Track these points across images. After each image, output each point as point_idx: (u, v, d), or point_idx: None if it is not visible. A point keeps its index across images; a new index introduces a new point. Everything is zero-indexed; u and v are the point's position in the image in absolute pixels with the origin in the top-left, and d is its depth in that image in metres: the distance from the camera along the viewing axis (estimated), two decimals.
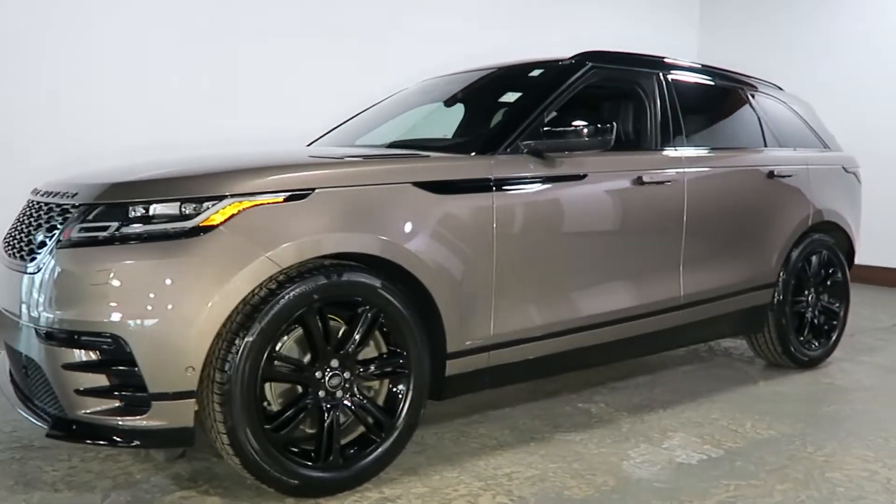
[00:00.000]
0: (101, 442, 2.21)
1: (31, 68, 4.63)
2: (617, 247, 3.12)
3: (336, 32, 5.82)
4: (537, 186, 2.87)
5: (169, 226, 2.20)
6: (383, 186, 2.49)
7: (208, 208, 2.21)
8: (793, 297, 3.98)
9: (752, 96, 4.04)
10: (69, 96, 4.74)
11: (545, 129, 2.89)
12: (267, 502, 2.37)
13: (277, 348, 2.35)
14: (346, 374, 2.45)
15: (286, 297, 2.27)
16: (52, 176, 2.68)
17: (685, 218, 3.35)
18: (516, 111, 3.03)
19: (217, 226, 2.20)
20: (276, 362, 2.30)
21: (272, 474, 2.28)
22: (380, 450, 2.51)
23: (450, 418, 3.19)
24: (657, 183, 3.24)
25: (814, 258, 4.08)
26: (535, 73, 3.34)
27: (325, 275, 2.34)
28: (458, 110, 3.77)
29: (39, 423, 2.29)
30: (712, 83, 3.89)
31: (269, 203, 2.28)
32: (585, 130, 2.83)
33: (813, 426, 3.17)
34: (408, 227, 2.51)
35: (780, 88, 4.39)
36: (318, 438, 2.40)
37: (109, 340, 2.13)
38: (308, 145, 3.85)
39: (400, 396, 2.56)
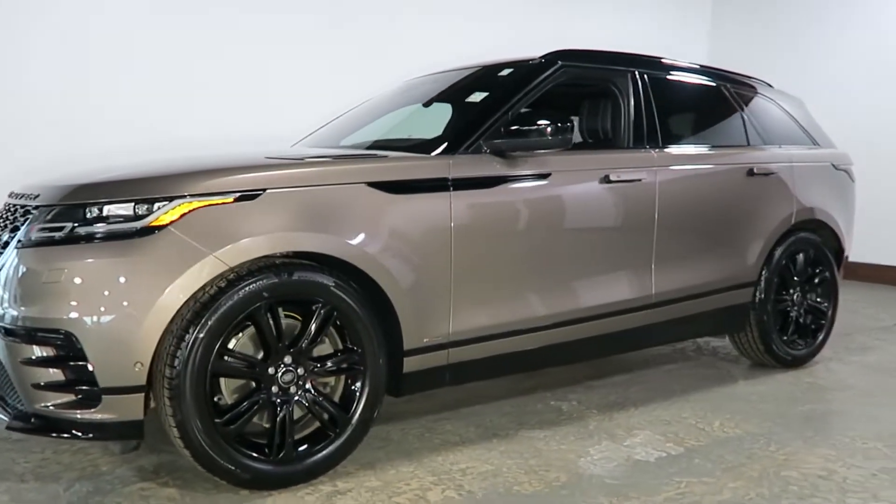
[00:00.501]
0: (61, 434, 2.30)
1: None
2: (582, 245, 3.14)
3: (336, 27, 5.90)
4: (499, 186, 2.90)
5: (121, 226, 2.28)
6: (336, 187, 2.54)
7: (159, 209, 2.28)
8: (776, 296, 3.95)
9: (737, 93, 4.02)
10: (71, 96, 4.87)
11: (512, 128, 2.91)
12: (222, 494, 2.44)
13: (232, 345, 2.42)
14: (300, 371, 2.51)
15: (235, 295, 2.33)
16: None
17: (656, 216, 3.35)
18: (479, 111, 3.06)
19: (166, 226, 2.27)
20: (226, 358, 2.37)
21: (222, 466, 2.35)
22: (334, 445, 2.56)
23: (419, 415, 3.24)
24: (626, 182, 3.25)
25: (799, 256, 4.05)
26: (505, 72, 3.37)
27: (275, 274, 2.41)
28: (437, 110, 3.81)
29: (3, 416, 2.39)
30: (693, 81, 3.88)
31: (218, 203, 2.34)
32: (548, 129, 2.86)
33: (782, 425, 3.16)
34: (361, 226, 2.56)
35: (769, 86, 4.35)
36: (270, 433, 2.46)
37: (63, 337, 2.21)
38: (293, 146, 3.92)
39: (355, 393, 2.61)
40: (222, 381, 2.43)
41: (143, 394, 2.26)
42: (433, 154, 2.84)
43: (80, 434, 2.29)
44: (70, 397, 2.27)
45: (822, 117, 6.23)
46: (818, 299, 4.20)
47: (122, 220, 2.29)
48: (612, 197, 3.22)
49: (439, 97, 3.67)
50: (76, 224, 2.28)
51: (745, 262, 3.75)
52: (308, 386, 2.52)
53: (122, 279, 2.23)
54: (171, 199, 2.30)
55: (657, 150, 3.44)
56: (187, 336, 2.28)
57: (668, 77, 3.74)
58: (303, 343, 2.49)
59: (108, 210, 2.30)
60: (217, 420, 2.35)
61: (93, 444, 2.82)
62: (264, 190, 2.41)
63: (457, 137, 2.91)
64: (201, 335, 2.28)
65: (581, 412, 3.30)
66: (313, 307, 2.50)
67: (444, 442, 2.94)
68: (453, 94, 3.61)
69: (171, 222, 2.27)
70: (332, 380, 2.63)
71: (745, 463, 2.75)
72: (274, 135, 4.67)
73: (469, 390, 3.57)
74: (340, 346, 2.61)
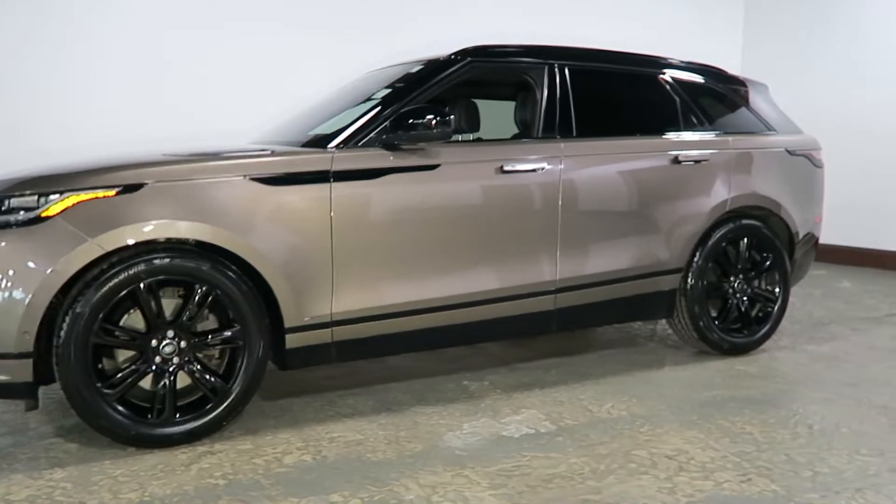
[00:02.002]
0: None
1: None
2: (473, 232, 3.29)
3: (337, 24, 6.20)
4: (384, 177, 3.11)
5: (21, 216, 2.64)
6: (215, 180, 2.83)
7: (49, 202, 2.64)
8: (711, 283, 3.97)
9: (678, 82, 4.03)
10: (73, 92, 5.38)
11: (408, 122, 3.10)
12: (111, 450, 2.78)
13: (124, 319, 2.76)
14: (182, 344, 2.82)
15: (116, 276, 2.67)
16: None
17: (560, 204, 3.46)
18: (376, 107, 3.26)
19: (54, 216, 2.62)
20: (109, 330, 2.71)
21: (104, 425, 2.70)
22: (215, 412, 2.87)
23: (330, 389, 3.50)
24: (523, 171, 3.38)
25: (741, 243, 4.04)
26: (416, 69, 3.55)
27: (154, 258, 2.72)
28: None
29: None
30: (624, 70, 3.93)
31: (101, 196, 2.67)
32: (432, 122, 3.05)
33: (673, 409, 3.22)
34: (239, 215, 2.84)
35: (723, 73, 4.32)
36: (152, 398, 2.79)
37: None
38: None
39: (236, 365, 2.90)
40: (118, 351, 2.77)
41: (31, 359, 2.62)
42: (328, 147, 3.07)
43: None
44: None
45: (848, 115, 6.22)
46: (767, 287, 4.17)
47: (23, 211, 2.66)
48: (507, 186, 3.36)
49: (372, 90, 3.87)
50: None
51: (669, 249, 3.79)
52: (190, 357, 2.83)
53: (16, 261, 2.59)
54: (60, 192, 2.65)
55: (565, 140, 3.54)
56: (71, 311, 2.63)
57: (595, 68, 3.82)
58: (184, 319, 2.80)
59: (15, 203, 2.67)
60: (99, 384, 2.69)
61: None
62: (145, 184, 2.73)
63: (351, 132, 3.14)
64: (83, 310, 2.63)
65: (485, 392, 3.48)
66: (195, 287, 2.81)
67: (336, 414, 3.19)
68: (378, 88, 3.81)
69: (59, 213, 2.62)
70: (216, 353, 2.93)
71: (604, 442, 2.87)
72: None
73: (391, 368, 3.82)
74: (223, 323, 2.90)
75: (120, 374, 2.75)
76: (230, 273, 2.84)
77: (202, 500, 2.39)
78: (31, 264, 2.59)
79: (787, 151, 4.24)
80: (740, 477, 2.54)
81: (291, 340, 2.99)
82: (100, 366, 2.75)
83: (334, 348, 3.09)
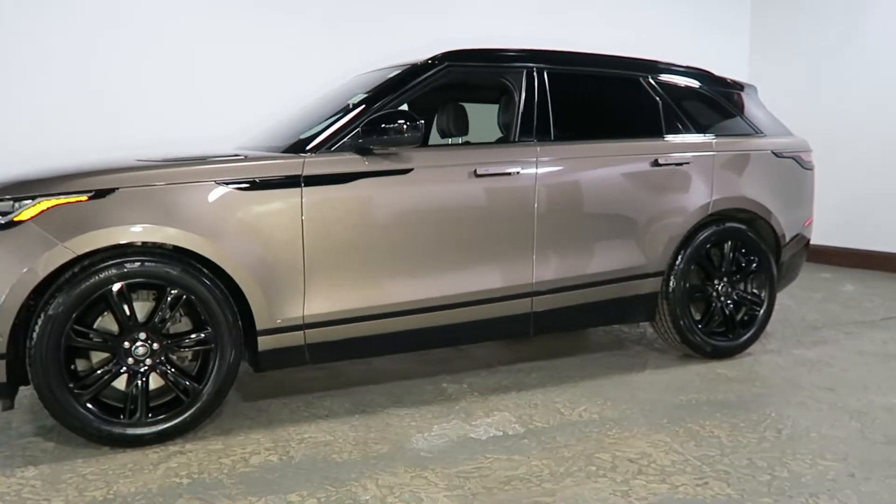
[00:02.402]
0: None
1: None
2: (447, 235, 3.32)
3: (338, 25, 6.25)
4: (356, 181, 3.15)
5: None
6: (186, 185, 2.89)
7: (22, 206, 2.71)
8: (694, 286, 3.97)
9: (660, 85, 4.03)
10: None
11: (381, 126, 3.14)
12: (86, 449, 2.85)
13: (97, 322, 2.83)
14: (155, 346, 2.88)
15: (87, 279, 2.73)
16: None
17: (536, 208, 3.48)
18: (349, 111, 3.30)
19: (27, 220, 2.70)
20: (82, 332, 2.78)
21: (76, 424, 2.77)
22: (187, 412, 2.93)
23: (309, 391, 3.55)
24: (497, 175, 3.40)
25: (726, 246, 4.03)
26: (393, 74, 3.59)
27: (125, 262, 2.79)
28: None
29: None
30: (603, 73, 3.93)
31: (73, 201, 2.75)
32: (405, 127, 3.10)
33: (645, 413, 3.23)
34: (210, 220, 2.90)
35: (709, 75, 4.31)
36: (125, 398, 2.86)
37: None
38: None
39: (209, 367, 2.96)
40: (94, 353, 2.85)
41: (4, 360, 2.70)
42: (302, 153, 3.12)
43: None
44: None
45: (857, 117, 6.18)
46: (753, 290, 4.15)
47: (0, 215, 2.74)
48: (480, 189, 3.38)
49: (352, 95, 3.91)
50: None
51: (649, 252, 3.79)
52: (162, 359, 2.90)
53: None
54: (32, 197, 2.72)
55: (542, 144, 3.55)
56: (44, 314, 2.70)
57: (575, 71, 3.83)
58: (156, 321, 2.87)
59: None
60: (72, 385, 2.76)
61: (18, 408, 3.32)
62: (116, 189, 2.79)
63: (324, 137, 3.19)
64: (55, 312, 2.70)
65: (462, 394, 3.50)
66: (166, 291, 2.87)
67: (310, 415, 3.24)
68: (358, 93, 3.85)
69: (31, 217, 2.70)
70: (188, 355, 2.99)
71: (570, 445, 2.88)
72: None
73: (373, 371, 3.86)
74: (196, 326, 2.96)
75: (93, 376, 2.82)
76: (201, 276, 2.89)
77: (164, 499, 2.45)
78: (3, 267, 2.67)
79: (774, 154, 4.22)
80: (697, 481, 2.55)
81: (264, 343, 3.04)
82: (73, 367, 2.81)
83: (307, 350, 3.14)
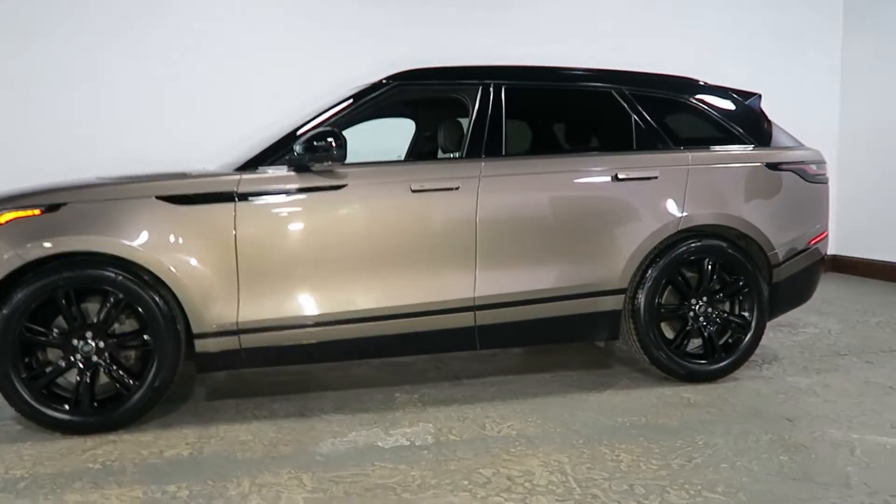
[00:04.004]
0: None
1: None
2: (381, 249, 3.42)
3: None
4: (289, 196, 3.35)
5: None
6: (127, 200, 3.21)
7: None
8: (667, 305, 3.82)
9: (636, 97, 3.92)
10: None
11: (314, 144, 3.33)
12: (44, 434, 3.22)
13: (55, 322, 3.21)
14: (100, 344, 3.22)
15: (36, 282, 3.10)
16: None
17: (477, 223, 3.51)
18: (291, 129, 3.49)
19: None
20: (34, 329, 3.15)
21: (27, 411, 3.14)
22: (128, 403, 3.23)
23: (271, 394, 3.77)
24: (434, 190, 3.47)
25: (707, 265, 3.84)
26: (345, 92, 3.74)
27: (68, 268, 3.14)
28: None
29: None
30: (565, 88, 3.89)
31: (28, 215, 3.13)
32: (333, 145, 3.27)
33: (567, 432, 3.16)
34: (148, 231, 3.19)
35: (698, 83, 4.13)
36: (74, 390, 3.20)
37: None
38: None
39: (149, 364, 3.25)
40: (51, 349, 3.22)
41: None
42: (240, 169, 3.37)
43: None
44: None
45: None
46: (742, 313, 3.92)
47: None
48: (417, 205, 3.46)
49: (310, 112, 4.06)
50: None
51: (610, 269, 3.69)
52: (106, 356, 3.22)
53: None
54: None
55: (487, 159, 3.58)
56: (1, 312, 3.10)
57: (534, 86, 3.83)
58: (97, 322, 3.19)
59: None
60: (24, 376, 3.14)
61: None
62: (65, 204, 3.15)
63: (261, 154, 3.42)
64: (8, 311, 3.08)
65: (406, 404, 3.58)
66: (108, 295, 3.20)
67: (252, 416, 3.45)
68: (315, 110, 3.99)
69: None
70: (132, 353, 3.30)
71: (464, 459, 2.89)
72: None
73: (346, 377, 4.03)
74: (137, 327, 3.27)
75: (44, 368, 3.18)
76: (141, 283, 3.19)
77: (66, 480, 2.74)
78: None
79: (768, 166, 3.97)
80: (557, 501, 2.50)
81: (200, 345, 3.30)
82: (27, 359, 3.19)
83: (244, 354, 3.36)
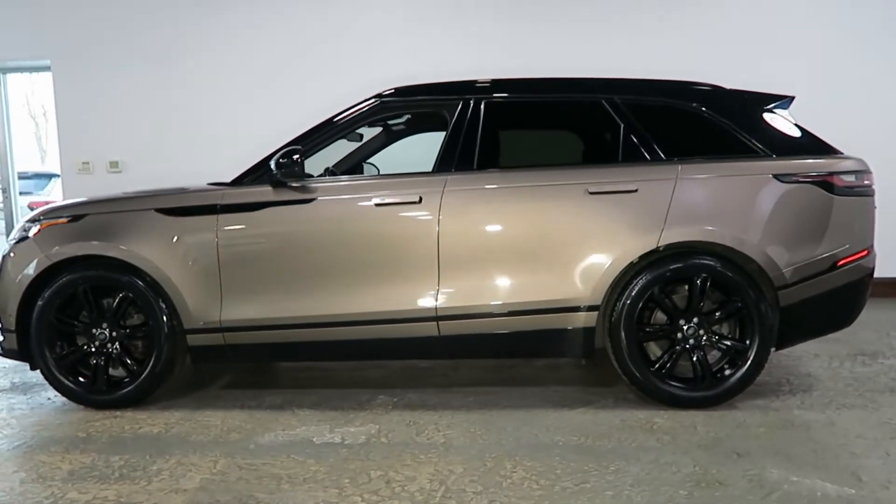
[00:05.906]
0: None
1: None
2: (346, 259, 3.66)
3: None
4: (264, 209, 3.71)
5: (18, 237, 3.89)
6: (131, 212, 3.77)
7: (32, 228, 3.85)
8: (651, 325, 3.66)
9: (629, 106, 3.77)
10: None
11: (284, 161, 3.67)
12: (72, 407, 3.88)
13: (80, 315, 3.86)
14: (114, 333, 3.81)
15: (60, 280, 3.76)
16: None
17: (438, 235, 3.62)
18: (281, 147, 3.84)
19: (31, 237, 3.82)
20: (65, 321, 3.81)
21: (59, 388, 3.82)
22: (130, 387, 3.79)
23: (275, 387, 4.18)
24: (397, 204, 3.64)
25: (697, 283, 3.61)
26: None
27: (88, 268, 3.76)
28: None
29: None
30: (547, 100, 3.85)
31: (58, 223, 3.81)
32: (297, 162, 3.61)
33: (492, 446, 3.18)
34: (145, 239, 3.72)
35: (698, 89, 3.87)
36: (92, 372, 3.83)
37: None
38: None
39: (152, 353, 3.79)
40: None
41: (14, 334, 3.83)
42: (227, 184, 3.81)
43: None
44: None
45: None
46: (738, 336, 3.64)
47: (22, 233, 3.90)
48: (379, 218, 3.66)
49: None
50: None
51: (581, 285, 3.59)
52: (117, 345, 3.81)
53: (16, 265, 3.84)
54: (37, 221, 3.85)
55: (455, 173, 3.68)
56: (38, 303, 3.79)
57: (515, 99, 3.86)
58: (112, 314, 3.79)
59: (26, 228, 3.92)
60: (53, 356, 3.81)
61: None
62: (85, 215, 3.79)
63: (247, 170, 3.83)
64: (43, 303, 3.77)
65: (377, 406, 3.77)
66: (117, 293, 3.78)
67: (239, 406, 3.83)
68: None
69: (34, 235, 3.82)
70: (140, 343, 3.86)
71: (368, 460, 3.05)
72: None
73: (356, 377, 4.33)
74: (144, 320, 3.82)
75: (70, 352, 3.84)
76: (144, 282, 3.73)
77: (37, 444, 3.33)
78: (18, 268, 3.81)
79: (778, 178, 3.63)
80: None
81: (191, 340, 3.77)
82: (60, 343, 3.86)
83: (229, 350, 3.78)
